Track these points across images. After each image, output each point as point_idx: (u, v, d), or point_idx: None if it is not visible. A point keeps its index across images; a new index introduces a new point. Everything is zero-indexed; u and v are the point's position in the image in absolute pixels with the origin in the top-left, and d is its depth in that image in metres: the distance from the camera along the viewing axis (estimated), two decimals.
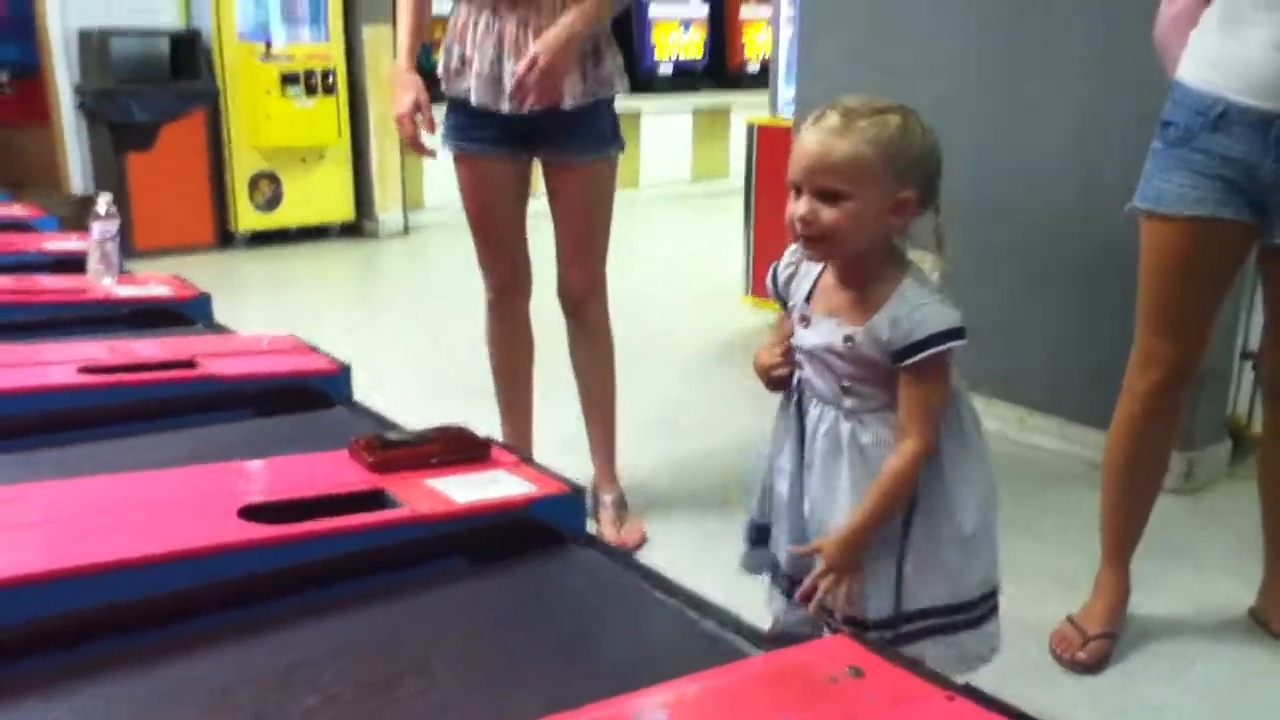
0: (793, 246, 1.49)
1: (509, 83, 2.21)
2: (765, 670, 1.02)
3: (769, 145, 3.97)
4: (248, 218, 5.89)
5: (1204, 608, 2.15)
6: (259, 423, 1.76)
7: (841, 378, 1.42)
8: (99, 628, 1.07)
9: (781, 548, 1.49)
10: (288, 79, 5.86)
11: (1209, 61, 1.77)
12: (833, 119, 1.35)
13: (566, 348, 2.59)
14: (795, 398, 1.50)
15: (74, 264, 2.63)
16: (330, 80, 6.03)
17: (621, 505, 2.59)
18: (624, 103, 7.74)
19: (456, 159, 2.44)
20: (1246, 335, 2.87)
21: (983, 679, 1.14)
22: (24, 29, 5.63)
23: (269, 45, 5.87)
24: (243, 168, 5.86)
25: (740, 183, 4.44)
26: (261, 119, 5.80)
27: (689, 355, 3.93)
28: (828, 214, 1.36)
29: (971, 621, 1.35)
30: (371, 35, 6.23)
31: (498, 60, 2.23)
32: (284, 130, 5.87)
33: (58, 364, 1.80)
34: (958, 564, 1.34)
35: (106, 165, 5.46)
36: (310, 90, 5.96)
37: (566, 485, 1.44)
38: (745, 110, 6.08)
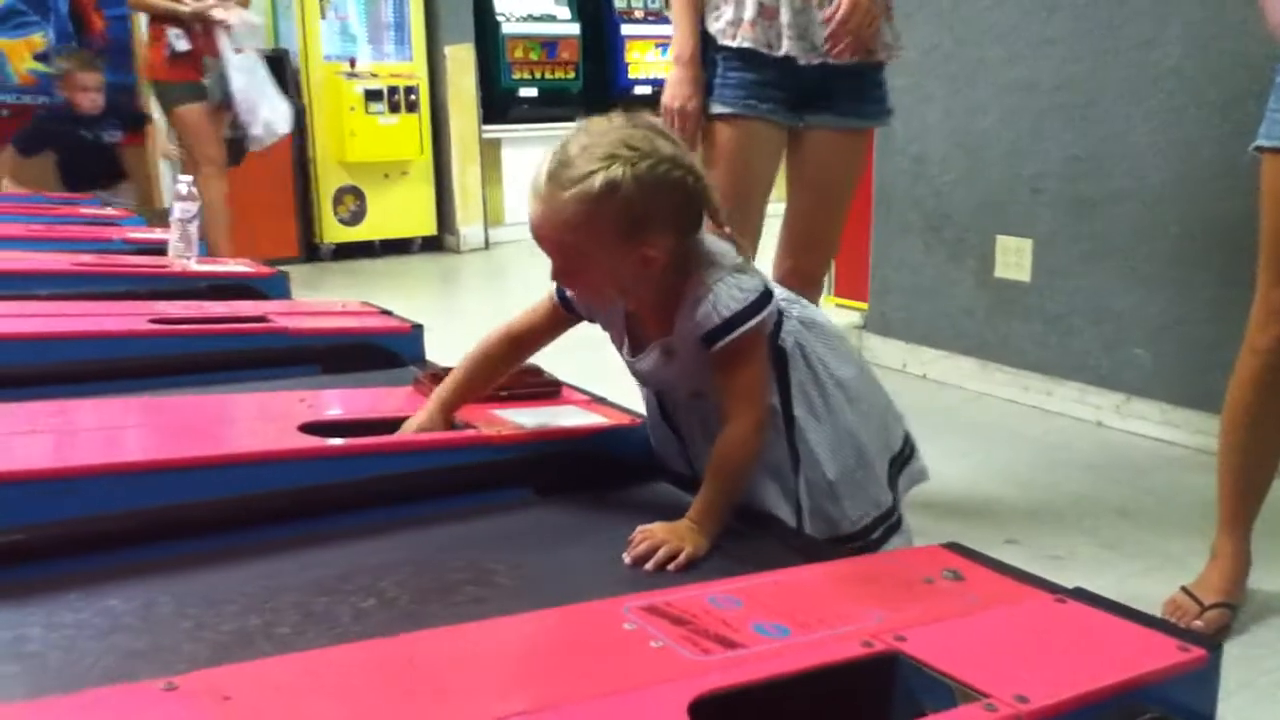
0: None
1: (816, 32, 2.06)
2: (854, 570, 0.94)
3: None
4: (332, 231, 5.95)
5: None
6: (330, 378, 1.73)
7: (683, 388, 1.28)
8: (155, 528, 1.03)
9: None
10: (371, 95, 5.93)
11: None
12: (540, 180, 1.15)
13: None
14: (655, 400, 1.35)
15: (156, 253, 2.66)
16: (413, 97, 6.09)
17: None
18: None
19: (724, 120, 2.17)
20: None
21: None
22: (122, 53, 5.81)
23: (353, 63, 5.96)
24: (328, 183, 5.94)
25: None
26: (346, 135, 5.88)
27: None
28: (573, 283, 1.22)
29: (863, 547, 1.23)
30: (453, 55, 6.29)
31: (805, 10, 2.06)
32: (368, 146, 5.94)
33: (130, 316, 1.80)
34: (829, 508, 1.22)
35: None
36: (394, 107, 6.02)
37: (638, 418, 1.38)
38: None
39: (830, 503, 1.20)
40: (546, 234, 1.16)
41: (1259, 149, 1.74)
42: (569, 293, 1.30)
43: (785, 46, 2.07)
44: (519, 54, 6.86)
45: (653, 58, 7.16)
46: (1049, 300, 3.07)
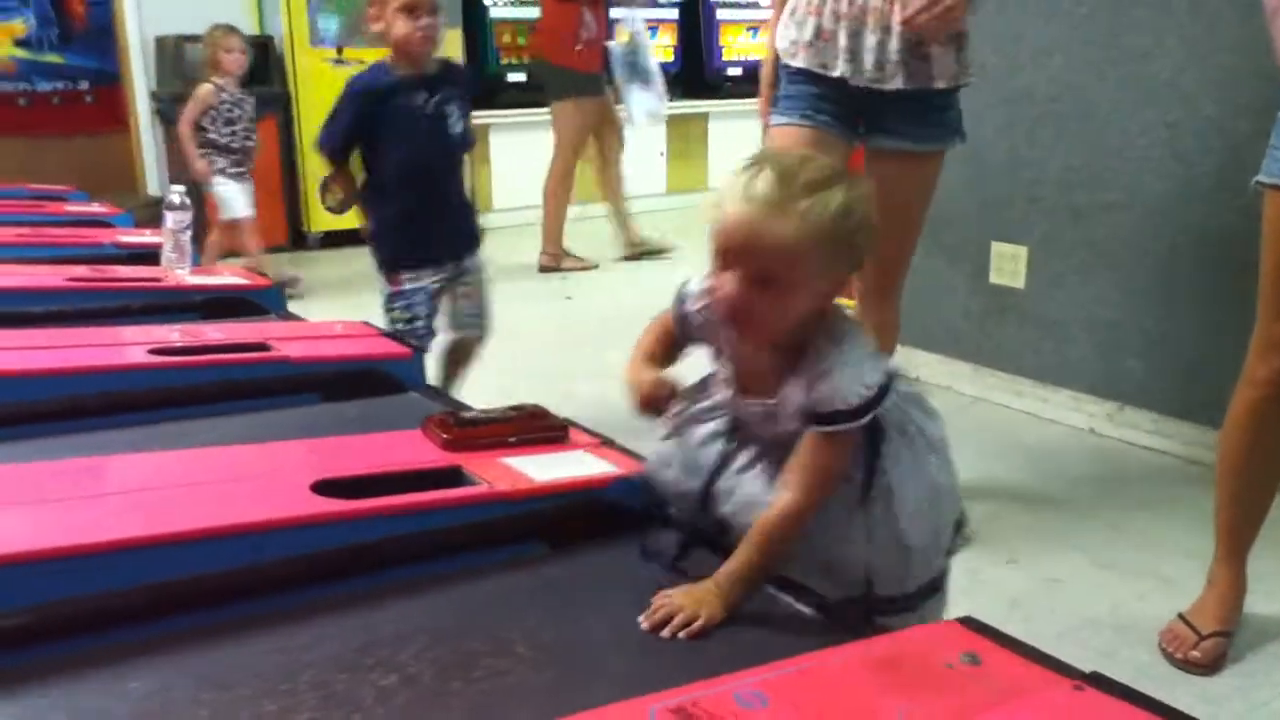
0: (703, 281, 1.27)
1: (865, 57, 2.12)
2: (875, 655, 0.94)
3: None
4: (320, 219, 5.92)
5: None
6: (331, 406, 1.72)
7: (769, 438, 1.26)
8: (164, 603, 1.03)
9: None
10: None
11: None
12: (765, 187, 1.11)
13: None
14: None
15: (148, 257, 2.64)
16: None
17: None
18: (690, 106, 7.26)
19: (781, 128, 2.27)
20: None
21: None
22: (104, 38, 5.74)
23: (340, 50, 5.90)
24: (315, 171, 5.88)
25: None
26: None
27: None
28: (759, 302, 1.15)
29: (907, 606, 1.24)
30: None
31: (858, 34, 2.12)
32: None
33: (130, 345, 1.78)
34: (902, 571, 1.23)
35: (182, 169, 5.52)
36: None
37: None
38: None
39: (897, 564, 1.21)
40: (770, 241, 1.12)
41: (1260, 185, 1.74)
42: (689, 309, 1.29)
43: (839, 68, 2.12)
44: (507, 39, 6.80)
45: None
46: (1044, 307, 3.09)
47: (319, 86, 5.78)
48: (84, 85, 5.75)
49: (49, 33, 5.61)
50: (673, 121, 7.09)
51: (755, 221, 1.12)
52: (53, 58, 5.64)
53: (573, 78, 5.16)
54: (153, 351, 1.75)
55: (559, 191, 5.36)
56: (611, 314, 4.45)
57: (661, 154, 7.19)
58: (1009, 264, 3.13)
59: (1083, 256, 2.97)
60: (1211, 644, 1.82)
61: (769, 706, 0.81)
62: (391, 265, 2.77)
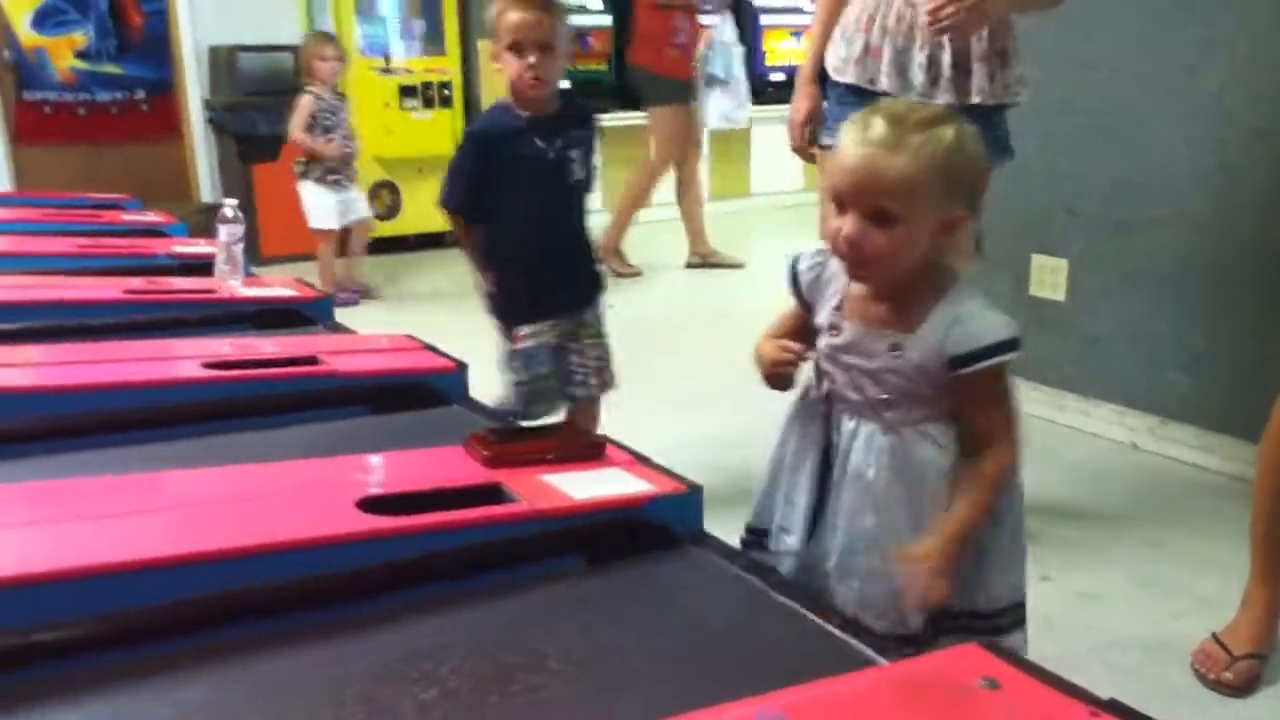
0: (816, 247, 1.38)
1: (914, 72, 2.15)
2: (896, 679, 0.97)
3: None
4: None
5: None
6: (378, 419, 1.77)
7: (882, 389, 1.31)
8: (216, 615, 1.08)
9: (786, 557, 1.42)
10: (406, 91, 5.97)
11: None
12: (880, 129, 1.20)
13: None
14: (821, 407, 1.39)
15: (201, 267, 2.72)
16: (447, 93, 6.13)
17: None
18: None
19: (832, 151, 2.37)
20: None
21: None
22: (160, 49, 5.88)
23: (388, 59, 6.00)
24: (363, 178, 5.97)
25: None
26: (381, 131, 5.91)
27: None
28: (877, 237, 1.23)
29: (990, 629, 1.28)
30: (486, 49, 6.32)
31: (906, 49, 2.15)
32: (403, 141, 5.97)
33: (185, 359, 1.85)
34: (972, 579, 1.27)
35: (234, 176, 5.65)
36: (428, 103, 6.06)
37: (684, 484, 1.41)
38: None
39: (972, 569, 1.24)
40: (886, 176, 1.20)
41: None
42: (801, 267, 1.38)
43: (884, 83, 2.15)
44: None
45: None
46: (1085, 320, 3.08)
47: (366, 95, 5.88)
48: (140, 94, 5.90)
49: (107, 44, 5.75)
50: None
51: (872, 161, 1.20)
52: (111, 68, 5.79)
53: (671, 85, 5.25)
54: (205, 365, 1.81)
55: (639, 194, 5.40)
56: (653, 322, 4.49)
57: (704, 160, 7.23)
58: (1049, 276, 3.13)
59: (1125, 270, 2.97)
60: (1245, 666, 1.81)
61: None
62: (510, 321, 2.56)
